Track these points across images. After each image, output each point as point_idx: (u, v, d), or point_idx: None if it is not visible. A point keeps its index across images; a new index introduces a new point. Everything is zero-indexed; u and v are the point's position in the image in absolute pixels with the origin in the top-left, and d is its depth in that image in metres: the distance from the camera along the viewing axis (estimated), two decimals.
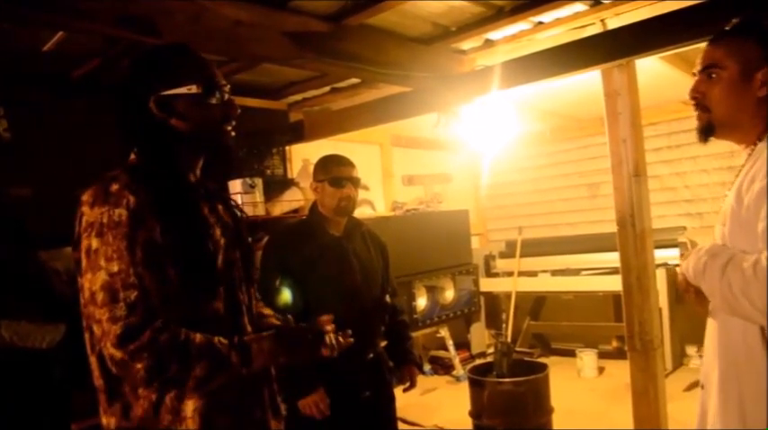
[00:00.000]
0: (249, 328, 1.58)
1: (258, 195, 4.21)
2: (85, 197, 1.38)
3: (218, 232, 1.53)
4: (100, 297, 1.30)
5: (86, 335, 1.42)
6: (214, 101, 1.51)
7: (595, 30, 3.29)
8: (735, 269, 1.36)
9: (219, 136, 1.54)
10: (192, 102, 1.48)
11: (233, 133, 1.57)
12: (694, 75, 1.59)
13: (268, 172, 4.82)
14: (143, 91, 1.47)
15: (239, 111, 1.57)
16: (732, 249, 1.44)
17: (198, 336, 1.36)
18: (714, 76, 1.53)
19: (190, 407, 1.39)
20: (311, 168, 2.82)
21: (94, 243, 1.32)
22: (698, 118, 1.58)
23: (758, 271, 1.29)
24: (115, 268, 1.31)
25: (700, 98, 1.56)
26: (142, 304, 1.31)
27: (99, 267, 1.31)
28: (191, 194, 1.52)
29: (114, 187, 1.36)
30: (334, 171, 2.66)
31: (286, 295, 2.48)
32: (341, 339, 1.64)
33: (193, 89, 1.48)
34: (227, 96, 1.54)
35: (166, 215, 1.39)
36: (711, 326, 1.58)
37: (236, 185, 4.14)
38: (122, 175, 1.40)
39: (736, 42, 1.52)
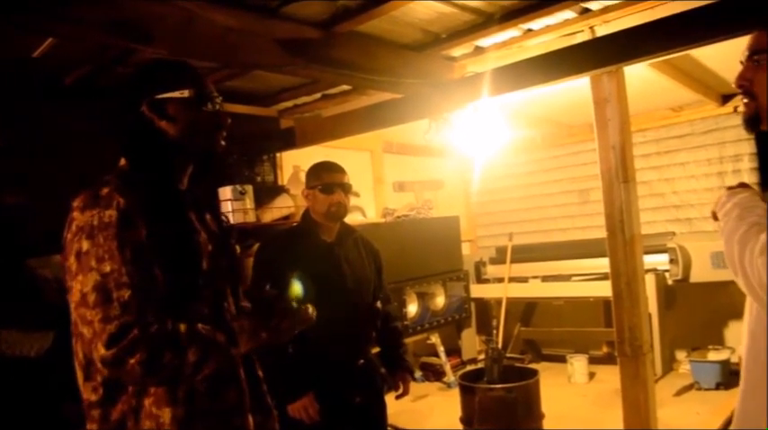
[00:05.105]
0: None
1: (249, 202, 4.20)
2: (76, 203, 1.40)
3: (203, 236, 1.55)
4: (92, 298, 1.30)
5: (74, 342, 1.43)
6: (205, 108, 1.56)
7: (584, 37, 3.31)
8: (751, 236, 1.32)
9: (209, 142, 1.58)
10: (183, 105, 1.53)
11: (223, 142, 1.61)
12: (741, 63, 1.51)
13: (259, 179, 4.81)
14: (138, 95, 1.52)
15: (230, 121, 1.61)
16: (762, 212, 1.38)
17: (182, 325, 1.37)
18: (761, 61, 1.44)
19: (167, 414, 1.40)
20: (302, 175, 2.83)
21: (85, 245, 1.33)
22: (745, 106, 1.50)
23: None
24: (107, 268, 1.31)
25: (747, 85, 1.47)
26: (135, 302, 1.31)
27: (90, 268, 1.32)
28: (176, 199, 1.54)
29: (104, 191, 1.39)
30: (324, 177, 2.67)
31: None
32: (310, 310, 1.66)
33: (185, 94, 1.52)
34: (218, 107, 1.58)
35: (152, 217, 1.41)
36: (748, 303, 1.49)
37: (226, 192, 4.13)
38: (113, 180, 1.44)
39: None
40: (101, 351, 1.28)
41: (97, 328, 1.29)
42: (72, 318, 1.40)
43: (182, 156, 1.57)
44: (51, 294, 3.04)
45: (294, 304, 1.60)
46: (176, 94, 1.52)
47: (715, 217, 1.52)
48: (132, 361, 1.28)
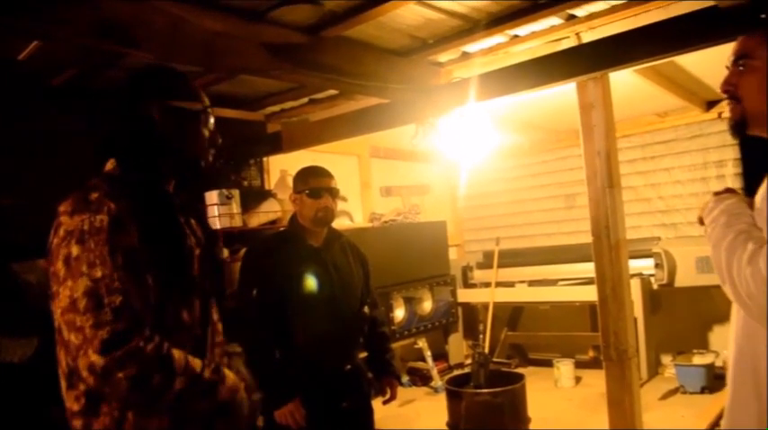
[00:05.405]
0: (218, 340, 1.61)
1: (235, 207, 4.19)
2: (63, 207, 1.38)
3: (192, 240, 1.56)
4: (82, 303, 1.28)
5: (57, 350, 1.41)
6: (206, 125, 1.60)
7: (570, 43, 3.33)
8: (739, 245, 1.32)
9: (203, 157, 1.61)
10: (190, 118, 1.56)
11: (212, 159, 1.65)
12: (727, 68, 1.50)
13: (245, 183, 4.80)
14: (151, 96, 1.52)
15: (221, 142, 1.66)
16: (749, 219, 1.38)
17: (175, 351, 1.36)
18: (746, 66, 1.44)
19: (154, 424, 1.39)
20: (289, 179, 2.83)
21: (75, 250, 1.31)
22: (731, 111, 1.49)
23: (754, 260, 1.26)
24: (99, 274, 1.30)
25: (732, 90, 1.47)
26: (127, 309, 1.30)
27: (81, 273, 1.30)
28: (166, 202, 1.55)
29: (94, 195, 1.38)
30: (311, 182, 2.67)
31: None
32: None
33: (197, 106, 1.58)
34: (213, 127, 1.63)
35: (144, 222, 1.41)
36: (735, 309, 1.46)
37: (212, 197, 4.12)
38: (101, 184, 1.43)
39: None
40: (91, 357, 1.26)
41: (88, 334, 1.27)
42: (56, 325, 1.37)
43: (174, 163, 1.57)
44: (35, 299, 3.01)
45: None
46: (188, 105, 1.55)
47: (702, 222, 1.52)
48: (120, 375, 1.27)
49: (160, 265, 1.41)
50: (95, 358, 1.26)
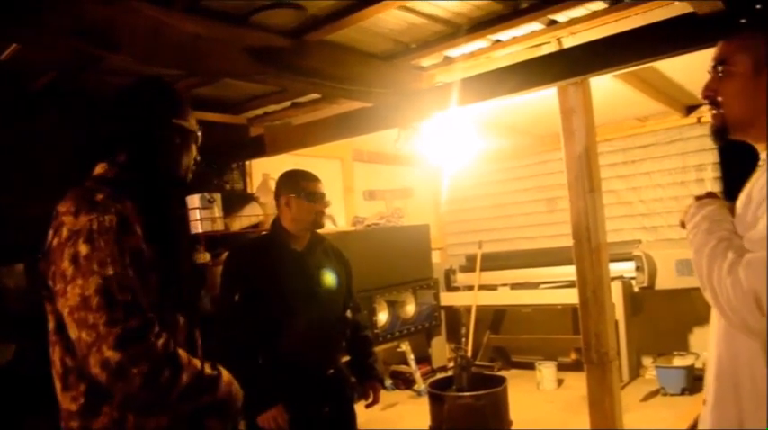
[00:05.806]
0: (199, 342, 1.64)
1: (217, 210, 4.16)
2: (65, 208, 1.40)
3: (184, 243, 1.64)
4: (95, 301, 1.30)
5: (51, 351, 1.43)
6: (198, 144, 1.72)
7: (551, 48, 3.36)
8: (720, 253, 1.33)
9: (188, 173, 1.70)
10: (187, 134, 1.67)
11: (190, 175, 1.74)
12: (708, 73, 1.51)
13: (227, 187, 4.78)
14: (166, 112, 1.62)
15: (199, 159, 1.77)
16: (730, 226, 1.39)
17: (181, 350, 1.41)
18: (725, 71, 1.45)
19: (152, 424, 1.41)
20: (272, 183, 2.82)
21: (84, 249, 1.34)
22: (712, 117, 1.50)
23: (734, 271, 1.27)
24: (110, 272, 1.33)
25: (712, 96, 1.48)
26: (138, 307, 1.33)
27: (92, 272, 1.32)
28: (167, 203, 1.61)
29: (99, 196, 1.42)
30: (306, 186, 2.67)
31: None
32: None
33: (194, 127, 1.70)
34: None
35: (147, 222, 1.46)
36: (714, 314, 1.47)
37: (194, 200, 4.09)
38: (102, 187, 1.47)
39: (747, 38, 1.46)
40: (105, 353, 1.28)
41: (102, 331, 1.29)
42: (52, 325, 1.40)
43: (167, 172, 1.64)
44: (13, 305, 2.98)
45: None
46: (187, 125, 1.66)
47: (684, 226, 1.53)
48: (135, 370, 1.29)
49: (161, 266, 1.46)
50: (111, 354, 1.28)
